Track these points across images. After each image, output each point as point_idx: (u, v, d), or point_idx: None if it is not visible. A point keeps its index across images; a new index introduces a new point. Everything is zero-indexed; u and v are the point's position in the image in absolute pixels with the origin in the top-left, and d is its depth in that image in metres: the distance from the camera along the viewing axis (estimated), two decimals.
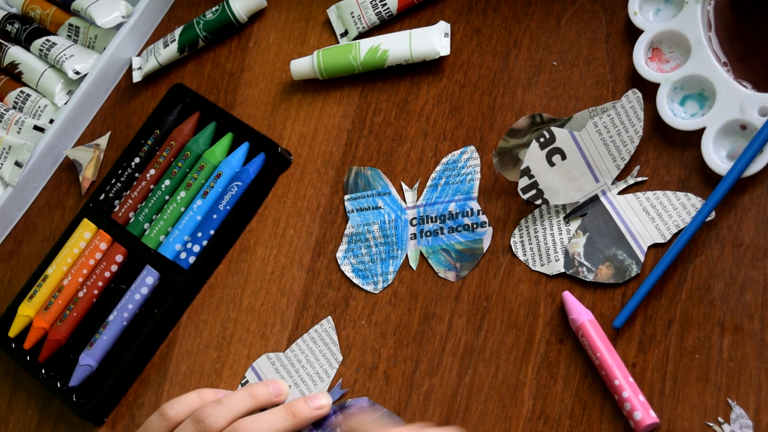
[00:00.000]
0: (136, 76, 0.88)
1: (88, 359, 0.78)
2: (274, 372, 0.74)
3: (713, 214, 0.67)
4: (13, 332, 0.81)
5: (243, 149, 0.81)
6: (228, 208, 0.79)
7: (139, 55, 0.89)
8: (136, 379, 0.78)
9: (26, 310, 0.81)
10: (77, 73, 0.88)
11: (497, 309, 0.70)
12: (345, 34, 0.82)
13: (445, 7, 0.80)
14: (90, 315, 0.81)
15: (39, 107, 0.89)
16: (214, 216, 0.79)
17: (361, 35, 0.82)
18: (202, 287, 0.79)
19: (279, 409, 0.70)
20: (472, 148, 0.75)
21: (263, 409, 0.72)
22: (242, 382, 0.75)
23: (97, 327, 0.79)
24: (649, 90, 0.70)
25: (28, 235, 0.88)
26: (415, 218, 0.75)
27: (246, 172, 0.79)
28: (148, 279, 0.78)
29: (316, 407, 0.70)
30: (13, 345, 0.81)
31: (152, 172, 0.82)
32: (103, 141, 0.88)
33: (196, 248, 0.78)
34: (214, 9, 0.86)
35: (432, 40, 0.77)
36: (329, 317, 0.74)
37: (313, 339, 0.74)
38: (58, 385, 0.78)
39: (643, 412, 0.63)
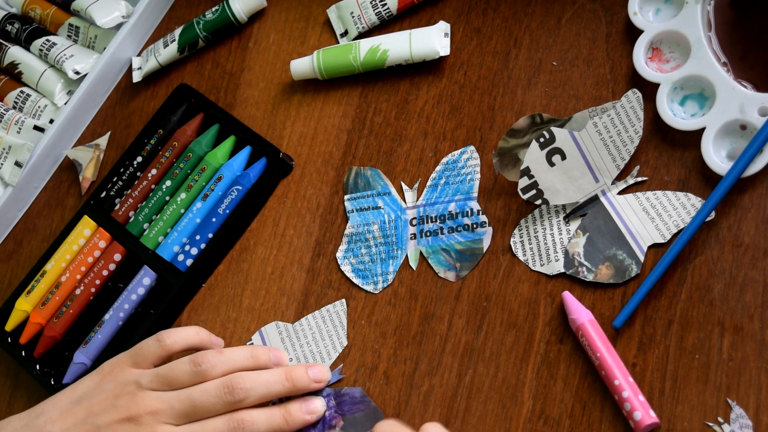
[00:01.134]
0: (136, 76, 0.88)
1: (83, 357, 0.78)
2: (280, 341, 0.74)
3: (713, 214, 0.67)
4: (9, 326, 0.81)
5: (245, 153, 0.80)
6: (227, 211, 0.78)
7: (139, 55, 0.89)
8: None
9: (23, 305, 0.81)
10: (77, 73, 0.88)
11: (497, 309, 0.70)
12: (345, 34, 0.82)
13: (445, 7, 0.80)
14: (86, 313, 0.81)
15: (39, 107, 0.89)
16: (213, 219, 0.78)
17: (361, 35, 0.82)
18: (198, 290, 0.79)
19: (278, 371, 0.70)
20: (472, 148, 0.75)
21: None
22: (247, 343, 0.75)
23: (93, 325, 0.79)
24: (649, 90, 0.70)
25: (28, 235, 0.88)
26: (415, 218, 0.75)
27: (247, 176, 0.79)
28: (145, 279, 0.78)
29: (314, 379, 0.70)
30: (9, 339, 0.81)
31: (154, 171, 0.82)
32: (103, 141, 0.88)
33: (194, 251, 0.78)
34: (214, 9, 0.86)
35: (432, 40, 0.77)
36: (343, 299, 0.74)
37: (323, 317, 0.74)
38: (52, 382, 0.78)
39: (643, 412, 0.63)
